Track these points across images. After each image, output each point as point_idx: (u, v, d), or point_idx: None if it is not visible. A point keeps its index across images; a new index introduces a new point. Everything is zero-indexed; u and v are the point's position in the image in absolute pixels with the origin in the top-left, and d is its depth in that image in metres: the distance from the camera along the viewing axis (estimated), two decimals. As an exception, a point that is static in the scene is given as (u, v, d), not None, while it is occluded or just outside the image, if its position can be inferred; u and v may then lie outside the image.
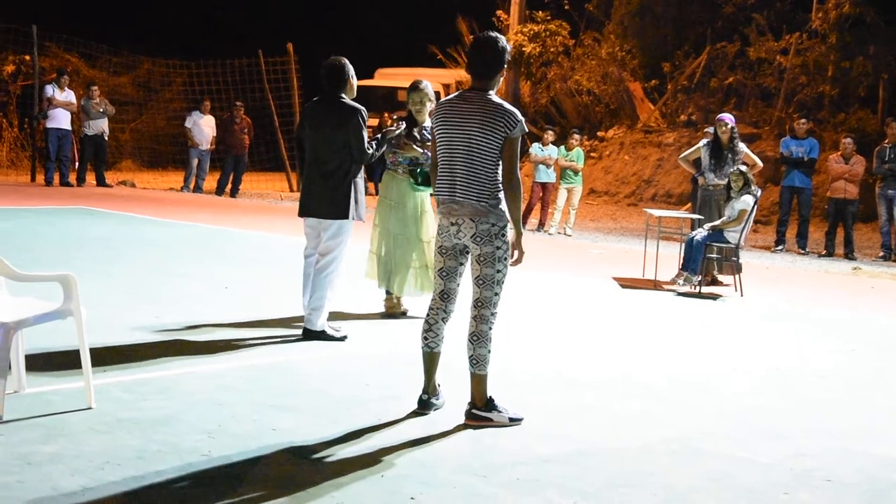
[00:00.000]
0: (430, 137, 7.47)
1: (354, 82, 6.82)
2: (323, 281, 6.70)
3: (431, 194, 5.14)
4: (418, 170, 7.48)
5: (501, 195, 4.90)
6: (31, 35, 19.14)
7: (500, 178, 4.90)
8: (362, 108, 6.70)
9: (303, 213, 6.84)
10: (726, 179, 10.55)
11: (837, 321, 9.01)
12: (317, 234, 6.83)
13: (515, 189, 4.90)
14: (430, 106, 7.55)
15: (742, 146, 10.79)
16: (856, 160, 14.51)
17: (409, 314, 7.70)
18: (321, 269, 6.72)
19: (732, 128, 10.74)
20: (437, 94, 8.67)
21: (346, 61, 6.78)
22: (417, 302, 7.65)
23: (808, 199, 14.85)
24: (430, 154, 7.38)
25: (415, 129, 7.53)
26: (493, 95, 4.95)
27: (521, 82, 24.37)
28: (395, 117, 7.74)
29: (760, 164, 10.95)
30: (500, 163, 4.89)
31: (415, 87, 7.56)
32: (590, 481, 4.24)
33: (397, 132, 7.50)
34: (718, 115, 11.18)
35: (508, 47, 5.03)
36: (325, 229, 6.74)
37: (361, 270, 7.79)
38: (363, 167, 6.83)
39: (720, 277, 10.64)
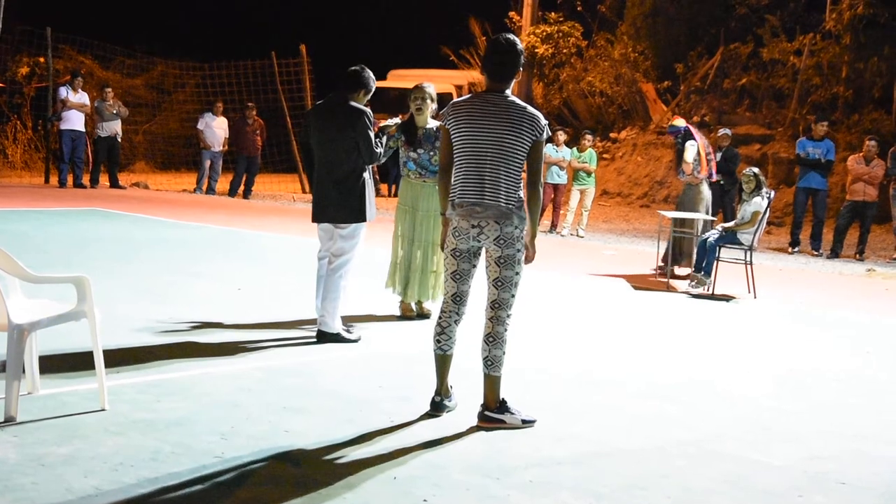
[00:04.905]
0: (432, 140, 7.46)
1: (369, 95, 6.84)
2: (337, 282, 6.69)
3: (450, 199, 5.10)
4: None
5: (522, 196, 4.93)
6: (46, 37, 19.22)
7: (521, 181, 4.93)
8: (367, 109, 6.72)
9: (318, 219, 6.84)
10: (683, 177, 11.02)
11: (852, 323, 8.96)
12: (330, 237, 6.84)
13: (540, 191, 5.00)
14: (431, 106, 7.54)
15: (687, 145, 11.02)
16: (876, 163, 14.42)
17: (430, 316, 7.62)
18: (334, 270, 6.72)
19: (676, 136, 11.46)
20: (450, 94, 8.70)
21: (371, 73, 6.81)
22: (435, 304, 7.63)
23: (823, 200, 14.79)
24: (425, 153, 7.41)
25: (417, 132, 7.53)
26: (516, 98, 4.97)
27: (534, 84, 24.34)
28: (397, 119, 7.73)
29: (689, 162, 10.95)
30: (523, 166, 4.97)
31: (417, 86, 7.59)
32: (604, 483, 4.23)
33: (392, 124, 7.49)
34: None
35: (523, 50, 5.07)
36: (339, 231, 6.75)
37: (376, 272, 7.76)
38: (374, 167, 6.83)
39: (677, 270, 10.84)
